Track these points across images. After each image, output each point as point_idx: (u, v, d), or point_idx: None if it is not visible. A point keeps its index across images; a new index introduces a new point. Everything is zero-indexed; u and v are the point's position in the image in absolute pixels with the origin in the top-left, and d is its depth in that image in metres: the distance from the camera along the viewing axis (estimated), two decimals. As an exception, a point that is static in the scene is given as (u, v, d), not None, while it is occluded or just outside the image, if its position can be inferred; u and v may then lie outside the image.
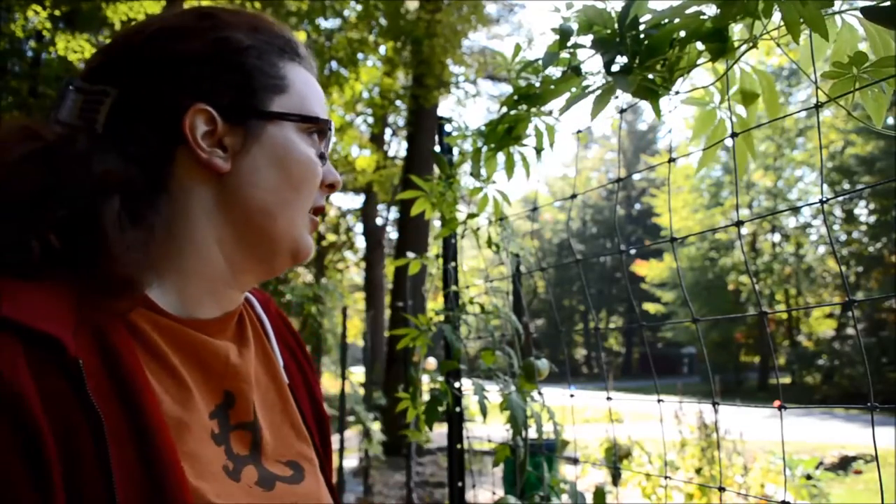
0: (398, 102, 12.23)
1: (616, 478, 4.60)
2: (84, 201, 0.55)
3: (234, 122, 0.66)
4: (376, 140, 14.91)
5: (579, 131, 1.32)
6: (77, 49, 7.70)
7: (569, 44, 1.00)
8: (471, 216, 1.57)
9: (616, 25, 0.92)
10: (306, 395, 0.78)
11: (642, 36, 0.90)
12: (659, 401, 1.21)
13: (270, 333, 0.78)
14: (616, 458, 4.12)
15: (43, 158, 0.56)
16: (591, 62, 1.03)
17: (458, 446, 1.84)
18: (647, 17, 0.91)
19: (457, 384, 1.67)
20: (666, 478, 1.19)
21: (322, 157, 0.71)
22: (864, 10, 0.73)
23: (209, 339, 0.64)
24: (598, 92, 0.97)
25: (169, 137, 0.63)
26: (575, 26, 1.00)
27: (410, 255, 1.70)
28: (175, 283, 0.64)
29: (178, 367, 0.60)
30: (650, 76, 0.93)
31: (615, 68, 0.93)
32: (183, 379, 0.59)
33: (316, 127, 0.70)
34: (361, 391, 10.26)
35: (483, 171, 1.39)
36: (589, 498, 1.36)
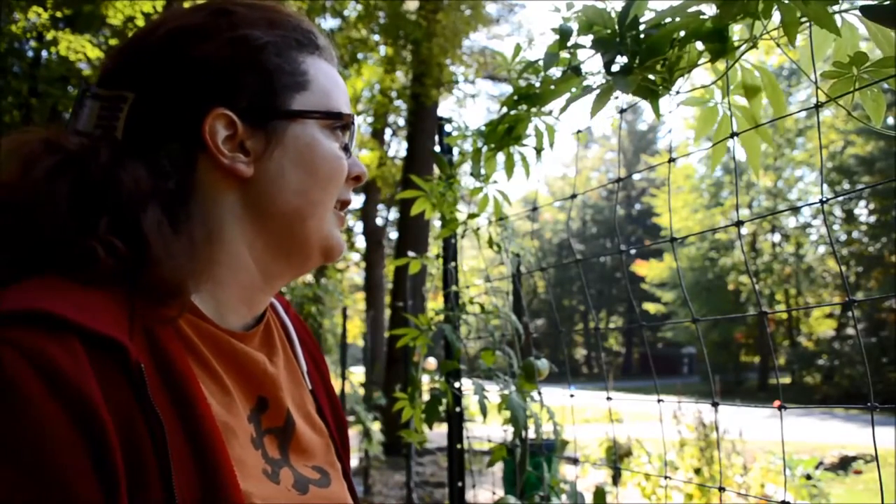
0: (398, 102, 12.23)
1: (616, 478, 4.59)
2: (123, 211, 0.55)
3: (254, 125, 0.64)
4: (377, 136, 14.90)
5: (579, 131, 1.32)
6: (79, 49, 7.69)
7: (569, 44, 1.00)
8: (471, 216, 1.57)
9: (616, 25, 0.92)
10: (327, 400, 0.77)
11: (642, 36, 0.89)
12: (659, 401, 1.21)
13: (294, 338, 0.77)
14: (616, 458, 4.12)
15: (70, 171, 0.56)
16: (591, 62, 1.03)
17: (458, 446, 1.84)
18: (647, 16, 0.91)
19: (457, 384, 1.67)
20: (666, 478, 1.19)
21: (346, 149, 0.69)
22: (864, 10, 0.73)
23: (245, 346, 0.65)
24: (598, 91, 0.97)
25: (189, 143, 0.61)
26: (575, 26, 1.00)
27: (412, 254, 1.70)
28: (211, 291, 0.63)
29: (221, 373, 0.60)
30: (650, 76, 0.93)
31: (615, 68, 0.93)
32: (225, 384, 0.60)
33: (340, 122, 0.68)
34: (361, 391, 10.26)
35: (483, 171, 1.39)
36: (588, 498, 1.36)
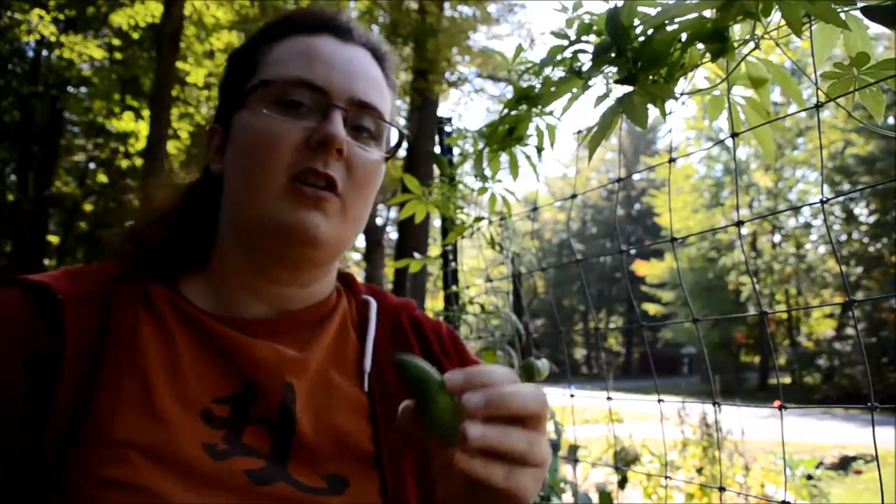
0: (398, 102, 12.23)
1: (623, 482, 4.58)
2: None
3: (223, 126, 0.72)
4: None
5: (579, 131, 1.31)
6: (83, 51, 7.70)
7: (571, 48, 1.00)
8: (478, 219, 1.56)
9: (609, 36, 0.91)
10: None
11: (642, 39, 0.89)
12: (659, 401, 1.21)
13: (369, 339, 0.73)
14: (623, 463, 4.12)
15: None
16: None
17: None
18: (648, 12, 0.91)
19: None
20: (666, 478, 1.19)
21: (328, 117, 0.65)
22: (864, 10, 0.73)
23: (232, 332, 0.66)
24: (604, 107, 0.97)
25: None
26: (575, 27, 1.00)
27: (417, 256, 1.70)
28: (214, 282, 0.70)
29: (181, 345, 0.64)
30: (652, 77, 0.93)
31: (614, 68, 0.93)
32: (180, 355, 0.64)
33: (277, 92, 0.66)
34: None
35: (487, 172, 1.39)
36: (594, 498, 1.36)
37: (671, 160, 1.08)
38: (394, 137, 0.76)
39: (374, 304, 0.77)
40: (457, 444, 0.48)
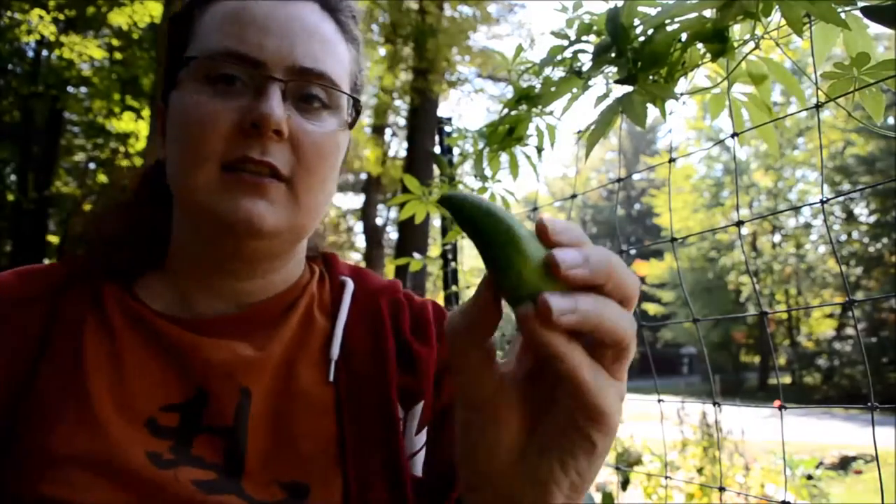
0: (398, 102, 12.23)
1: (626, 483, 4.58)
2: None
3: (165, 108, 0.64)
4: (378, 133, 14.89)
5: (579, 131, 1.31)
6: (83, 51, 7.70)
7: (571, 48, 1.00)
8: None
9: (609, 37, 0.91)
10: (375, 400, 0.62)
11: (642, 39, 0.89)
12: (659, 401, 1.21)
13: (339, 324, 0.65)
14: (625, 464, 4.11)
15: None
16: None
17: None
18: (648, 12, 0.91)
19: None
20: (666, 478, 1.19)
21: (262, 93, 0.57)
22: (864, 10, 0.73)
23: (185, 333, 0.61)
24: (602, 101, 0.97)
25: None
26: (575, 27, 1.00)
27: (417, 256, 1.70)
28: (173, 280, 0.65)
29: (128, 350, 0.60)
30: (652, 77, 0.93)
31: (614, 68, 0.93)
32: (126, 361, 0.60)
33: (206, 67, 0.58)
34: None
35: (487, 172, 1.39)
36: (596, 498, 1.36)
37: (671, 160, 1.08)
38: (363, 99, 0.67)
39: (350, 287, 0.69)
40: (537, 312, 0.34)
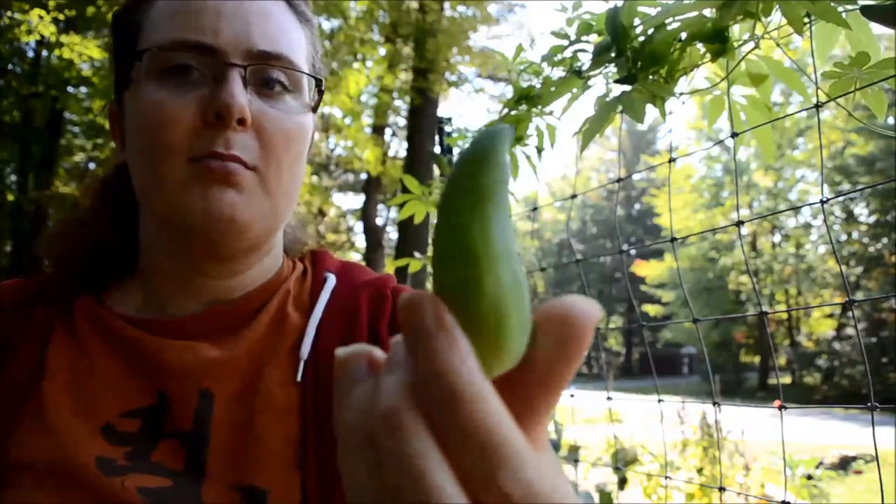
0: (398, 102, 12.24)
1: (623, 482, 4.59)
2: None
3: (119, 106, 0.62)
4: (378, 133, 14.90)
5: (579, 131, 1.31)
6: (83, 51, 7.69)
7: (571, 48, 1.00)
8: None
9: (609, 36, 0.91)
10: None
11: (642, 38, 0.89)
12: (659, 401, 1.21)
13: (312, 323, 0.62)
14: (622, 464, 4.12)
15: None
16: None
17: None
18: (648, 11, 0.91)
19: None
20: (666, 478, 1.19)
21: (222, 81, 0.55)
22: (863, 10, 0.73)
23: (146, 336, 0.59)
24: (601, 102, 0.97)
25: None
26: (575, 27, 1.00)
27: (417, 256, 1.70)
28: (145, 282, 0.64)
29: (95, 358, 0.60)
30: (652, 77, 0.93)
31: (613, 67, 0.93)
32: (92, 368, 0.59)
33: (159, 61, 0.56)
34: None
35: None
36: (595, 498, 1.36)
37: (671, 160, 1.08)
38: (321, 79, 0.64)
39: (330, 283, 0.66)
40: None
